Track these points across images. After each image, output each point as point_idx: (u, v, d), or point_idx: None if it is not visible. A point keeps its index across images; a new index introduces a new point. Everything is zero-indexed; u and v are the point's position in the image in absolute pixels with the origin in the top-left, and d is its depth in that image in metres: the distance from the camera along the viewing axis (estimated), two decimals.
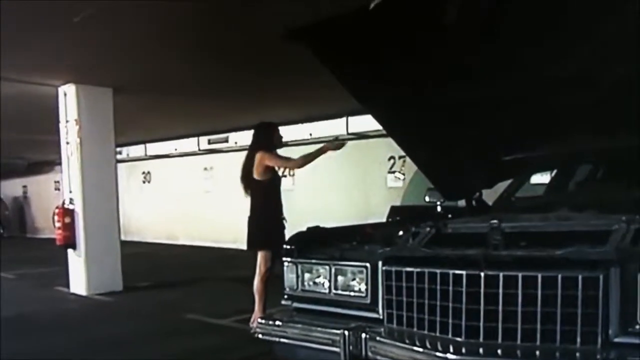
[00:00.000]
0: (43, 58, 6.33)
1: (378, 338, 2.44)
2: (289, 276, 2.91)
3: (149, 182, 16.07)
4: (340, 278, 2.72)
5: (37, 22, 5.01)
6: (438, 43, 2.53)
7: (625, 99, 2.64)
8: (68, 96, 7.61)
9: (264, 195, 4.86)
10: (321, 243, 2.90)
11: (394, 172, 10.16)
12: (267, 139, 4.92)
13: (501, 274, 2.13)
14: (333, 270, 2.74)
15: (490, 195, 3.79)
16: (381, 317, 2.55)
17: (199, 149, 14.04)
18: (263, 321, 2.91)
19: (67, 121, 7.66)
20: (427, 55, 2.62)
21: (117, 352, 4.79)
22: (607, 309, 1.98)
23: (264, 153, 4.77)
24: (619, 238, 2.18)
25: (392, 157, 10.10)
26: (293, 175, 11.17)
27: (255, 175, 4.82)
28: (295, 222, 4.75)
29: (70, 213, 7.56)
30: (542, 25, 2.42)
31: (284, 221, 4.91)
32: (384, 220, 3.92)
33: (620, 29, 2.34)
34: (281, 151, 5.05)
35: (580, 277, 2.01)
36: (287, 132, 10.97)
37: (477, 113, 2.94)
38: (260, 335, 2.89)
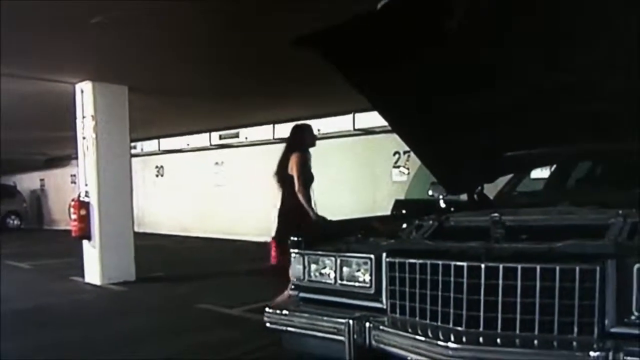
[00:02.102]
0: (61, 57, 6.44)
1: (381, 327, 2.51)
2: (296, 267, 2.98)
3: (162, 175, 16.23)
4: (345, 269, 2.78)
5: (56, 22, 5.10)
6: (444, 47, 2.57)
7: (625, 107, 2.68)
8: (85, 93, 7.72)
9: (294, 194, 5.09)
10: (327, 235, 2.98)
11: (398, 166, 10.21)
12: (300, 140, 5.24)
13: (501, 266, 2.19)
14: (338, 262, 2.80)
15: (491, 190, 3.83)
16: (385, 307, 2.61)
17: (211, 144, 14.20)
18: (271, 310, 2.97)
19: (83, 117, 7.77)
20: (433, 57, 2.66)
21: (130, 340, 4.88)
22: (603, 300, 2.03)
23: (298, 156, 5.07)
24: (616, 232, 2.24)
25: (397, 152, 10.16)
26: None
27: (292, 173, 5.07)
28: None
29: (85, 205, 7.68)
30: (546, 33, 2.45)
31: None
32: (389, 213, 3.97)
33: (621, 39, 2.37)
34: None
35: (577, 269, 2.06)
36: None
37: (480, 111, 2.98)
38: (268, 324, 2.97)
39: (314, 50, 2.72)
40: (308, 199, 5.01)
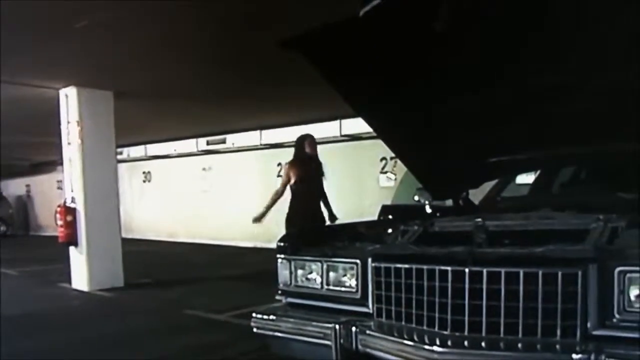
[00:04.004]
0: (45, 62, 6.39)
1: (368, 331, 2.52)
2: (283, 272, 2.98)
3: (149, 181, 16.16)
4: (331, 274, 2.79)
5: (40, 26, 5.08)
6: (428, 50, 2.60)
7: (609, 107, 2.72)
8: (69, 98, 7.68)
9: (292, 196, 5.82)
10: (314, 240, 2.99)
11: (385, 172, 10.27)
12: (300, 150, 5.85)
13: (485, 270, 2.21)
14: (325, 267, 2.81)
15: (477, 195, 3.87)
16: (371, 311, 2.63)
17: (198, 150, 14.17)
18: (258, 316, 2.97)
19: (68, 123, 7.74)
20: (415, 62, 2.69)
21: (118, 347, 4.87)
22: (585, 303, 2.06)
23: (287, 165, 5.86)
24: (597, 236, 2.27)
25: (384, 158, 10.23)
26: None
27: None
28: None
29: (72, 211, 7.64)
30: (531, 34, 2.49)
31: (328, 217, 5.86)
32: (376, 218, 3.99)
33: (607, 39, 2.41)
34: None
35: (560, 273, 2.09)
36: (283, 134, 11.13)
37: (464, 116, 3.01)
38: (255, 329, 2.98)
39: (298, 52, 2.73)
40: (272, 201, 5.72)
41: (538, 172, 4.26)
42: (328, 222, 5.68)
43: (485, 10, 2.38)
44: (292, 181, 5.74)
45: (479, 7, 2.39)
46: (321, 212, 5.85)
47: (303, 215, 5.57)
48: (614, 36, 2.37)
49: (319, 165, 5.93)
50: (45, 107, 8.20)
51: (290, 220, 5.67)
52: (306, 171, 5.77)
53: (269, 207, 5.72)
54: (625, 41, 2.35)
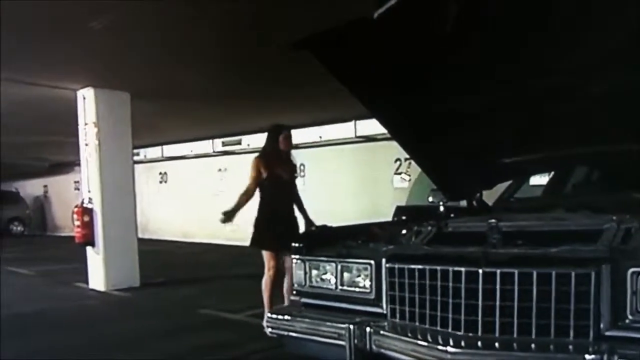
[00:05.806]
0: (63, 63, 6.49)
1: (382, 332, 2.54)
2: (298, 273, 3.02)
3: (165, 182, 16.30)
4: (346, 275, 2.82)
5: (57, 27, 5.17)
6: (441, 51, 2.62)
7: (617, 106, 2.72)
8: (87, 100, 7.78)
9: (261, 197, 4.98)
10: (328, 241, 3.01)
11: (400, 173, 10.27)
12: (272, 143, 4.89)
13: (498, 271, 2.23)
14: (339, 267, 2.84)
15: (491, 196, 3.88)
16: (385, 312, 2.65)
17: (214, 151, 14.26)
18: (273, 316, 3.00)
19: (86, 124, 7.83)
20: (428, 64, 2.71)
21: (134, 346, 4.93)
22: (598, 304, 2.07)
23: (256, 158, 4.91)
24: (610, 237, 2.28)
25: (398, 159, 10.23)
26: (304, 176, 11.31)
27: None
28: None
29: (89, 212, 7.73)
30: (538, 35, 2.50)
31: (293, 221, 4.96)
32: (390, 219, 4.01)
33: (610, 39, 2.42)
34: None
35: (573, 274, 2.10)
36: (298, 135, 11.17)
37: (477, 118, 3.03)
38: (269, 331, 3.01)
39: (312, 54, 2.75)
40: (240, 202, 4.89)
41: (551, 174, 4.26)
42: (302, 229, 4.87)
43: (500, 10, 2.40)
44: (263, 177, 4.82)
45: (487, 9, 2.41)
46: (294, 217, 4.99)
47: (274, 219, 4.83)
48: (623, 33, 2.38)
49: (292, 165, 5.00)
50: (63, 108, 8.30)
51: (259, 225, 4.95)
52: (278, 169, 4.84)
53: (236, 209, 4.92)
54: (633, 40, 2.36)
